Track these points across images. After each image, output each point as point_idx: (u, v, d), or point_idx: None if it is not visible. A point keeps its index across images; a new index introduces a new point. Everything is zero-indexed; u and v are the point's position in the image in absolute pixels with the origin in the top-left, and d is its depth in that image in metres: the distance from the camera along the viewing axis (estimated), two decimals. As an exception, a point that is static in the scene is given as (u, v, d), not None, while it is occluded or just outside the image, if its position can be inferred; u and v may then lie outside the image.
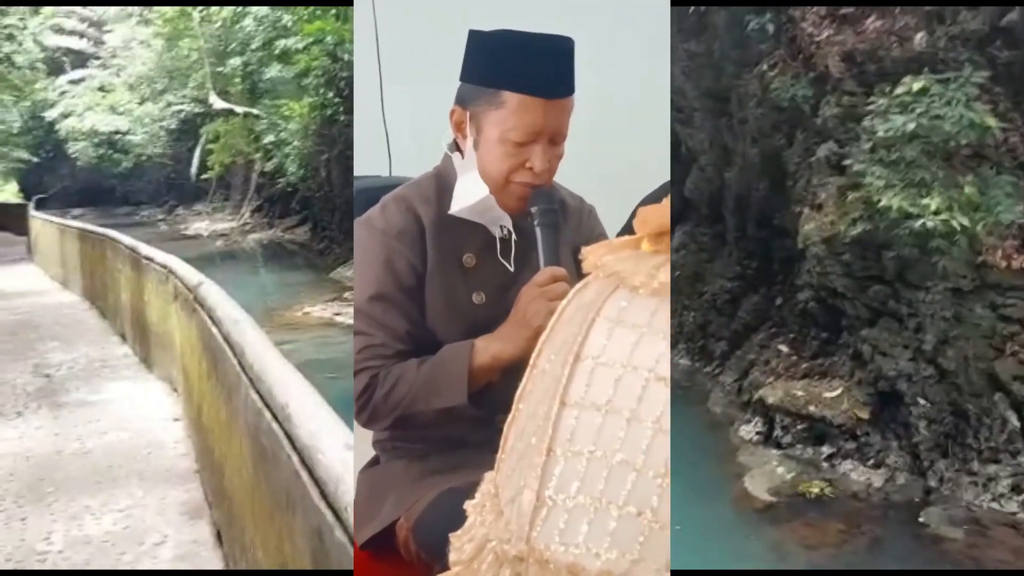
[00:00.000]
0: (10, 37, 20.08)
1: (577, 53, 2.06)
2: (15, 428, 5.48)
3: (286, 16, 17.76)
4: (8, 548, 3.75)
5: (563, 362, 1.00)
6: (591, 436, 0.94)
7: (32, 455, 4.91)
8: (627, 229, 2.32)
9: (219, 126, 24.43)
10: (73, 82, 32.50)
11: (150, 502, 4.14)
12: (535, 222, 2.07)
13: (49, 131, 32.85)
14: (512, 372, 1.80)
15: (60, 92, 32.23)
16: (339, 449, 1.68)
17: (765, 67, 6.85)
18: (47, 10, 32.01)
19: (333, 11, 15.82)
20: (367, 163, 3.11)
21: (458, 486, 1.91)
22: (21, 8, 22.19)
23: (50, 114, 31.90)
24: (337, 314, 12.04)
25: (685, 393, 8.26)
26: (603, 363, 0.97)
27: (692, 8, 7.36)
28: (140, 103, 30.53)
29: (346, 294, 13.04)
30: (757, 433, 6.87)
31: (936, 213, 4.71)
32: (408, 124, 3.31)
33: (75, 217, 27.09)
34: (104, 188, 34.88)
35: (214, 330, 3.42)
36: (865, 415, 6.28)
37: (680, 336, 9.03)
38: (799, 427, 6.61)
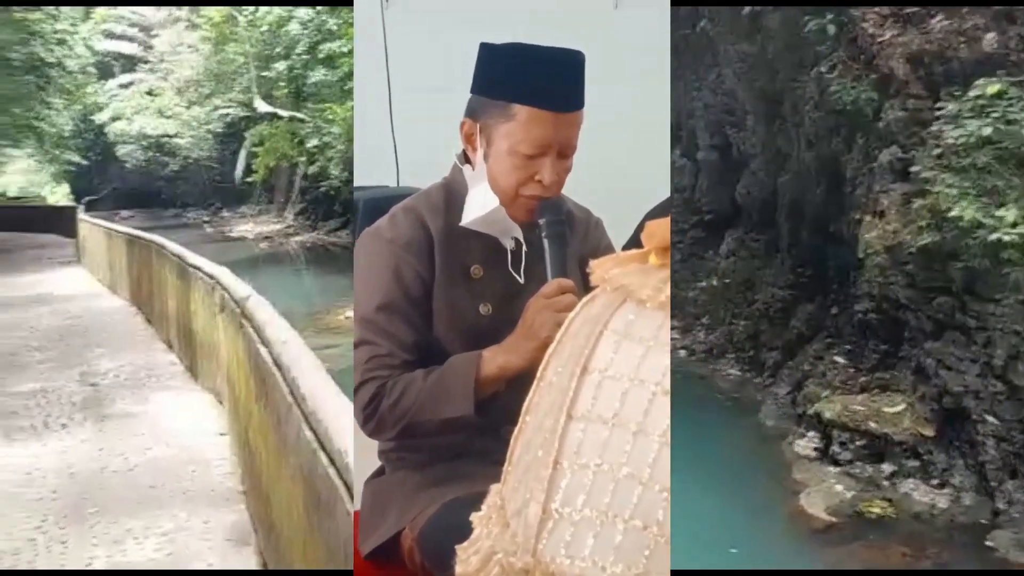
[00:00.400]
0: (61, 42, 20.46)
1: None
2: (60, 440, 5.45)
3: (331, 20, 17.84)
4: None
5: (570, 375, 1.00)
6: (597, 449, 0.95)
7: (76, 471, 4.86)
8: (633, 241, 2.31)
9: (264, 129, 24.66)
10: (123, 86, 33.11)
11: (194, 525, 4.04)
12: (543, 234, 2.08)
13: (99, 134, 33.49)
14: (519, 383, 1.82)
15: (110, 96, 32.85)
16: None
17: (823, 69, 6.66)
18: (98, 15, 32.67)
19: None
20: (367, 174, 3.09)
21: (463, 497, 1.94)
22: (73, 14, 22.62)
23: (100, 117, 32.54)
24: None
25: (734, 404, 8.09)
26: (610, 376, 0.97)
27: (747, 9, 7.17)
28: (187, 107, 30.98)
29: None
30: (813, 448, 6.69)
31: (1014, 225, 4.48)
32: (415, 135, 3.32)
33: (124, 219, 27.60)
34: (151, 190, 35.41)
35: (262, 350, 3.32)
36: (929, 432, 6.06)
37: (730, 345, 8.86)
38: (858, 443, 6.42)
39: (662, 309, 0.99)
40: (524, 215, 2.11)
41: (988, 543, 5.31)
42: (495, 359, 2.03)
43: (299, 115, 22.52)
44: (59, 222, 23.07)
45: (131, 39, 34.09)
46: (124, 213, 31.83)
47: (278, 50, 22.60)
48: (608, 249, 2.34)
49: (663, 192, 2.72)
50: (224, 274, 5.46)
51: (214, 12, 26.78)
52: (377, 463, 2.28)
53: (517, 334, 2.03)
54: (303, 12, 19.52)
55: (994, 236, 4.72)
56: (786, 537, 5.74)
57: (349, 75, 17.03)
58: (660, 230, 1.08)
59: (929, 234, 5.51)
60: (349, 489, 1.85)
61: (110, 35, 33.59)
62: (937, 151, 5.29)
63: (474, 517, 1.11)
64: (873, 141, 6.45)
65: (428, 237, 2.14)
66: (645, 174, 3.07)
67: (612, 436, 0.94)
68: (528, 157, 2.05)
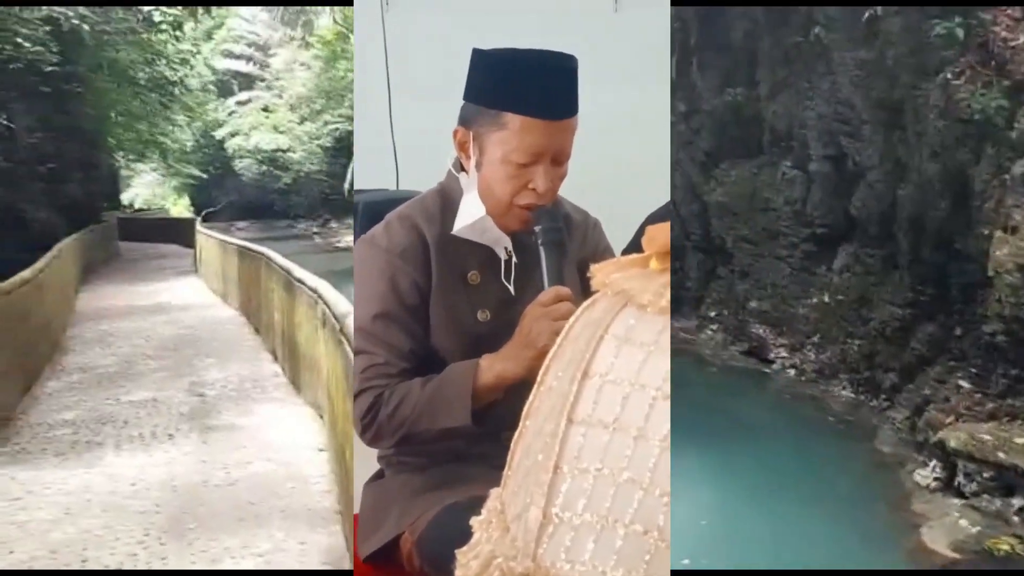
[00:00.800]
0: (184, 62, 21.38)
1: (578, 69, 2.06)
2: (165, 452, 5.59)
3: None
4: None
5: (571, 379, 1.00)
6: (598, 454, 0.95)
7: (178, 484, 4.96)
8: (634, 246, 2.23)
9: (372, 143, 25.09)
10: (240, 103, 34.48)
11: (291, 546, 4.02)
12: (539, 241, 2.07)
13: (218, 149, 34.92)
14: (517, 389, 1.87)
15: (229, 112, 34.29)
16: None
17: (949, 75, 6.27)
18: (218, 35, 34.15)
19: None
20: (369, 177, 3.07)
21: (463, 501, 1.94)
22: (195, 35, 23.63)
23: (219, 133, 33.97)
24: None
25: (847, 428, 7.73)
26: (611, 381, 0.97)
27: (866, 14, 6.84)
28: (299, 122, 31.98)
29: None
30: (935, 479, 6.31)
31: None
32: (415, 137, 3.30)
33: (239, 230, 28.71)
34: (265, 203, 36.65)
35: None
36: (1065, 465, 5.59)
37: (842, 365, 8.47)
38: (985, 475, 6.01)
39: (663, 314, 1.00)
40: (519, 224, 2.11)
41: None
42: (493, 368, 2.02)
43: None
44: (180, 233, 24.15)
45: (249, 58, 35.48)
46: (239, 224, 33.08)
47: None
48: (607, 251, 2.35)
49: (663, 195, 2.73)
50: (327, 289, 5.49)
51: (326, 31, 27.57)
52: (376, 467, 2.30)
53: (514, 342, 2.02)
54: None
55: None
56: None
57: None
58: (661, 235, 1.09)
59: (1068, 252, 5.09)
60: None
61: (229, 55, 35.09)
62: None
63: (474, 521, 1.11)
64: (1004, 152, 6.04)
65: (424, 244, 2.13)
66: (645, 177, 3.06)
67: (613, 440, 0.95)
68: (521, 166, 2.03)
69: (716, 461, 7.04)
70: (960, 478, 6.10)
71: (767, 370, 9.24)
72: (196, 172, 34.17)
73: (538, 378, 1.06)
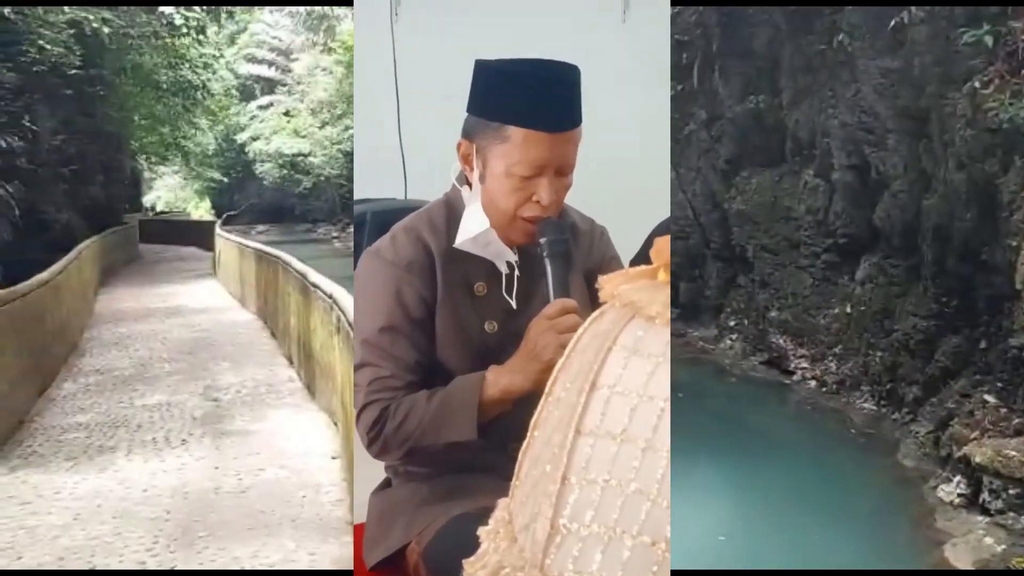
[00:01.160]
0: (207, 66, 21.49)
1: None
2: (178, 457, 5.54)
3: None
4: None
5: (579, 390, 1.00)
6: (606, 465, 0.95)
7: (190, 490, 4.91)
8: (641, 256, 2.21)
9: (392, 148, 25.14)
10: (262, 107, 34.63)
11: (301, 557, 3.96)
12: (544, 253, 2.06)
13: (240, 153, 35.09)
14: (524, 401, 1.87)
15: (250, 117, 34.45)
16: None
17: (977, 84, 6.14)
18: (241, 40, 34.34)
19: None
20: (367, 186, 3.07)
21: (470, 511, 1.94)
22: (218, 38, 23.75)
23: (241, 137, 34.12)
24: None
25: (868, 441, 7.61)
26: (619, 392, 0.97)
27: (892, 22, 6.73)
28: (320, 127, 32.07)
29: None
30: (959, 495, 6.17)
31: None
32: (420, 146, 3.30)
33: (259, 233, 28.84)
34: (285, 206, 36.84)
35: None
36: (1094, 484, 5.45)
37: (864, 377, 8.34)
38: (1012, 492, 5.86)
39: (668, 325, 1.00)
40: (524, 237, 2.10)
41: None
42: (499, 381, 2.01)
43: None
44: (200, 236, 24.29)
45: (271, 63, 35.65)
46: (259, 227, 33.27)
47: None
48: (614, 260, 2.33)
49: (663, 204, 2.73)
50: (342, 295, 5.45)
51: (348, 36, 27.63)
52: (381, 476, 2.30)
53: (520, 355, 2.02)
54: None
55: None
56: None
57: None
58: (667, 247, 1.10)
59: (1099, 266, 4.96)
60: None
61: (252, 59, 35.27)
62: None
63: (481, 532, 1.11)
64: (1033, 163, 5.91)
65: (429, 257, 2.13)
66: (646, 185, 3.06)
67: (620, 452, 0.95)
68: (525, 178, 2.03)
69: (735, 474, 6.96)
70: (985, 495, 5.96)
71: (787, 381, 9.12)
72: (217, 175, 34.40)
73: (546, 389, 1.07)
